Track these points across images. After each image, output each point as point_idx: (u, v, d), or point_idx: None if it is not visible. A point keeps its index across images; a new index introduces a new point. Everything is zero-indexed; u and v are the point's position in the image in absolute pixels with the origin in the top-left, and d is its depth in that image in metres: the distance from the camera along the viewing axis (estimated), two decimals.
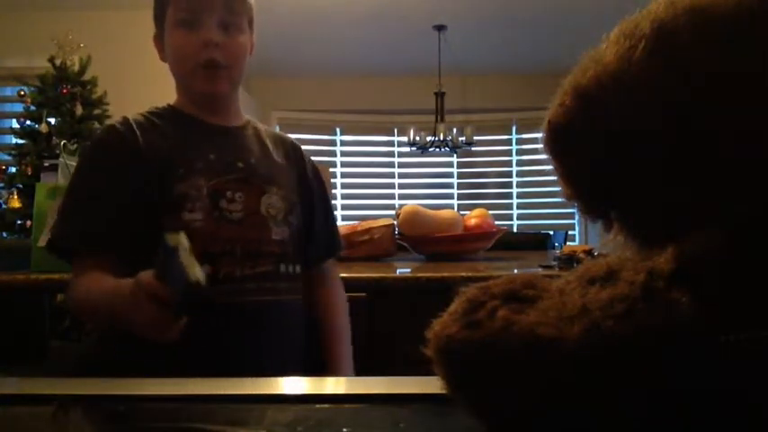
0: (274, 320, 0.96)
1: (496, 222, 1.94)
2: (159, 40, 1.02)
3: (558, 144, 0.34)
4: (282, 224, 0.99)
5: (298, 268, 1.02)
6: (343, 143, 5.94)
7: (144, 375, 0.53)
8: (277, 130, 1.20)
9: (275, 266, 0.96)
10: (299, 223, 1.05)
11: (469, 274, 1.29)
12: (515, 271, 1.55)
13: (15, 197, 3.20)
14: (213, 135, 1.01)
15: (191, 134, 1.00)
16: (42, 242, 1.39)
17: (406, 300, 1.31)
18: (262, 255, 0.95)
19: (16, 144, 3.41)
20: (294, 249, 1.01)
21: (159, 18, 1.01)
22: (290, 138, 1.17)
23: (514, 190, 5.91)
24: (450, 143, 4.95)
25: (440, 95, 4.84)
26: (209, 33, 0.95)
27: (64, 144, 2.38)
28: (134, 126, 0.97)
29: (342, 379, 0.51)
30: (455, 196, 5.99)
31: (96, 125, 3.43)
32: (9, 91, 4.00)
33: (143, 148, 0.95)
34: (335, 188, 5.79)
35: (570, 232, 5.33)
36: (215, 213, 0.92)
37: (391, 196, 5.96)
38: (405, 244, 1.85)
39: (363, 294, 1.17)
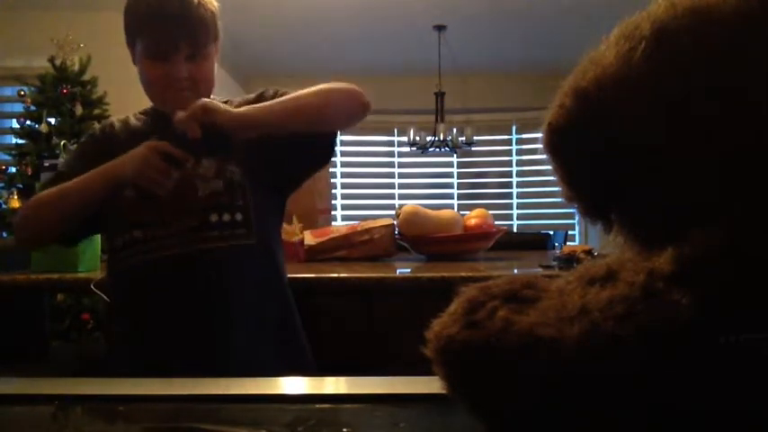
0: (203, 266, 1.03)
1: (496, 222, 1.94)
2: (132, 48, 1.11)
3: (558, 145, 0.34)
4: (214, 179, 1.06)
5: (239, 215, 1.06)
6: (343, 143, 5.94)
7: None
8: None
9: (203, 218, 1.04)
10: (243, 171, 1.08)
11: (469, 274, 1.29)
12: (515, 271, 1.55)
13: (15, 197, 3.19)
14: (168, 120, 1.09)
15: (149, 125, 1.15)
16: None
17: (406, 300, 1.31)
18: (186, 212, 1.03)
19: (16, 144, 3.41)
20: (231, 198, 1.06)
21: (130, 39, 1.10)
22: (261, 91, 1.16)
23: (514, 190, 5.92)
24: (450, 143, 4.95)
25: (440, 95, 4.84)
26: (176, 69, 1.06)
27: (64, 144, 2.38)
28: (115, 125, 1.19)
29: (342, 379, 0.51)
30: (455, 196, 5.99)
31: (96, 125, 3.43)
32: (9, 91, 3.99)
33: (113, 143, 1.11)
34: (335, 188, 5.79)
35: (570, 232, 5.33)
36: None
37: (391, 196, 5.96)
38: (405, 244, 1.85)
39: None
